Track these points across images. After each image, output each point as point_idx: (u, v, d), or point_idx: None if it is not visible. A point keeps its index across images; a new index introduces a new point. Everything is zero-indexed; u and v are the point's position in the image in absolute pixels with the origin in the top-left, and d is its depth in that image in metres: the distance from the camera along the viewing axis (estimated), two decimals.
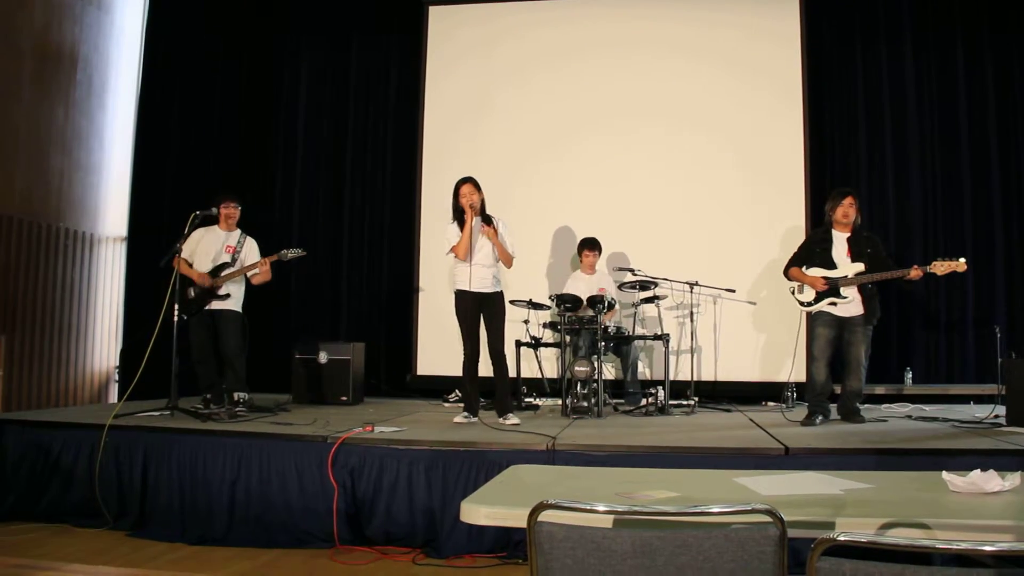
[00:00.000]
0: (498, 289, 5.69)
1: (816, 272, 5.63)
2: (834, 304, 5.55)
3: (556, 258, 7.92)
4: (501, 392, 5.63)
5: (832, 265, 5.60)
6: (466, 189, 5.56)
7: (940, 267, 5.27)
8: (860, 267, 5.51)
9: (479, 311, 5.61)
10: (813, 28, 7.91)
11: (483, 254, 5.60)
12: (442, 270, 7.74)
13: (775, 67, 7.84)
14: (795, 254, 5.85)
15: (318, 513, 4.43)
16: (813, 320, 5.70)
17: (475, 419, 5.55)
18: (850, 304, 5.54)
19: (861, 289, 5.52)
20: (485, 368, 5.69)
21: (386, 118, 8.74)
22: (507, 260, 5.69)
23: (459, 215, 5.58)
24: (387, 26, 8.76)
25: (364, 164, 8.73)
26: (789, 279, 5.82)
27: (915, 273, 5.31)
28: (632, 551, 1.61)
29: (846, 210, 5.62)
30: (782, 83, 7.80)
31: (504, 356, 5.63)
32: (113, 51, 8.51)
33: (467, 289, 5.56)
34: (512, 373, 6.90)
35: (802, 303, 5.74)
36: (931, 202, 7.83)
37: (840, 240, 5.64)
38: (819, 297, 5.60)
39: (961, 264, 5.25)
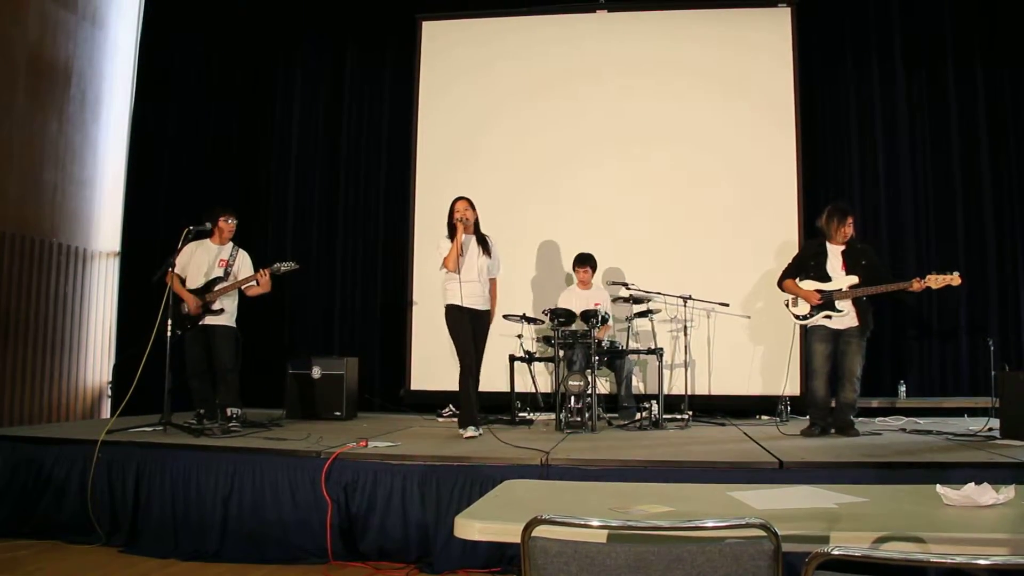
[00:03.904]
0: (488, 307, 5.88)
1: (810, 285, 5.63)
2: (829, 317, 5.56)
3: (551, 273, 7.92)
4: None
5: (827, 278, 5.60)
6: (460, 205, 5.76)
7: (935, 281, 5.30)
8: (855, 279, 5.52)
9: (471, 326, 5.72)
10: (804, 44, 7.95)
11: (474, 271, 5.75)
12: (436, 285, 7.72)
13: (767, 83, 7.87)
14: (788, 266, 5.84)
15: (312, 528, 4.41)
16: (809, 335, 5.70)
17: (481, 432, 5.57)
18: (845, 317, 5.54)
19: (855, 301, 5.53)
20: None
21: (380, 133, 8.75)
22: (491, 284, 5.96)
23: (453, 230, 5.74)
24: (382, 40, 8.79)
25: (358, 179, 8.74)
26: (783, 291, 5.82)
27: (917, 286, 5.32)
28: (626, 566, 1.60)
29: (846, 231, 5.64)
30: (774, 98, 7.83)
31: (479, 372, 5.79)
32: (107, 65, 8.51)
33: (460, 304, 5.67)
34: (505, 387, 6.93)
35: (797, 316, 5.73)
36: (923, 215, 7.87)
37: (835, 253, 5.64)
38: (814, 311, 5.60)
39: (955, 278, 5.27)
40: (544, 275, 7.93)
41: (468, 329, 5.69)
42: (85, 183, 8.20)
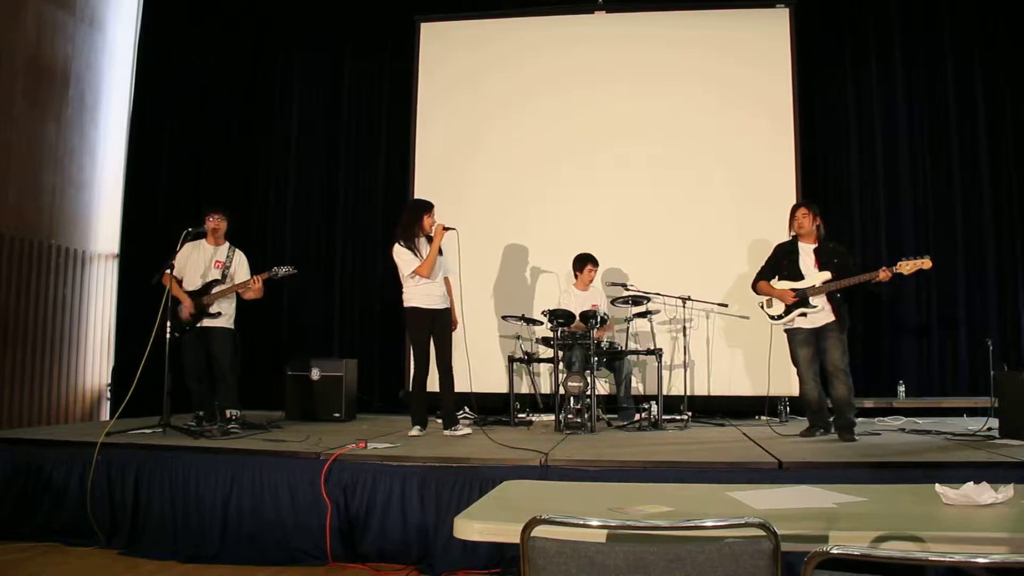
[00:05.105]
0: (447, 306, 6.00)
1: (784, 285, 5.65)
2: (804, 315, 5.57)
3: (549, 274, 7.90)
4: (449, 405, 5.99)
5: (800, 276, 5.62)
6: (433, 212, 5.91)
7: (906, 266, 5.33)
8: (827, 275, 5.53)
9: (431, 328, 5.88)
10: (803, 44, 7.95)
11: (436, 273, 5.92)
12: None
13: (766, 83, 7.86)
14: (762, 268, 5.87)
15: (311, 530, 4.41)
16: (791, 340, 5.71)
17: (425, 431, 5.87)
18: (820, 313, 5.54)
19: (830, 298, 5.53)
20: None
21: (379, 134, 8.74)
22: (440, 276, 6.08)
23: (412, 237, 5.84)
24: (380, 41, 8.79)
25: (357, 181, 8.73)
26: (757, 293, 5.84)
27: (883, 275, 5.34)
28: (626, 566, 1.60)
29: (800, 222, 5.70)
30: (773, 98, 7.83)
31: (452, 370, 5.95)
32: (105, 68, 8.51)
33: (424, 307, 5.85)
34: (504, 388, 6.93)
35: (772, 317, 5.75)
36: (922, 217, 7.87)
37: (807, 251, 5.67)
38: (788, 309, 5.61)
39: (927, 262, 5.30)
40: (542, 275, 7.92)
41: (428, 334, 5.87)
42: (84, 185, 8.20)
